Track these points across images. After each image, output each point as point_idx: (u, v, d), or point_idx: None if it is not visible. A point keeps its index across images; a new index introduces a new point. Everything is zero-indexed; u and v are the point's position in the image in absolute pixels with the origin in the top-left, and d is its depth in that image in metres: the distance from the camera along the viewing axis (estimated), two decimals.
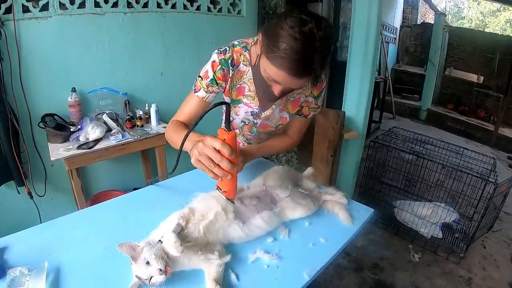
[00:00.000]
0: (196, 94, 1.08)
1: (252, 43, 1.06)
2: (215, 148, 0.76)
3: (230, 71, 1.06)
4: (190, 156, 0.83)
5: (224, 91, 1.12)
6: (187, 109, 1.12)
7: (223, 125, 0.79)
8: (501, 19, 10.93)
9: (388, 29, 6.36)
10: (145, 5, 2.37)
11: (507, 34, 8.57)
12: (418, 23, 7.20)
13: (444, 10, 9.87)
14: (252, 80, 1.08)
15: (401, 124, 5.37)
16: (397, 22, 6.81)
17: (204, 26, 2.73)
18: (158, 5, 2.43)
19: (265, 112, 1.14)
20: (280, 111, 1.16)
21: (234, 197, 0.87)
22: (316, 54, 0.80)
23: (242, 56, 1.06)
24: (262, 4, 3.13)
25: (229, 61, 1.04)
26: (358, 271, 2.23)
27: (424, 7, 7.81)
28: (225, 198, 0.86)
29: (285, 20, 0.80)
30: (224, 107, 0.81)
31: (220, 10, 2.81)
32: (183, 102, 1.14)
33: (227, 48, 1.05)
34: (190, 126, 0.88)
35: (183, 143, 0.84)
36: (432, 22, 6.30)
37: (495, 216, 2.37)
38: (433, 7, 8.16)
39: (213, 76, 1.04)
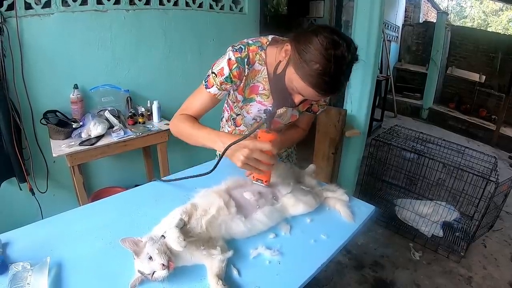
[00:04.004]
0: (208, 90, 1.07)
1: (267, 43, 1.07)
2: (262, 150, 0.88)
3: (246, 70, 1.06)
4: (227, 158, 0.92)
5: (237, 89, 1.12)
6: (197, 104, 1.11)
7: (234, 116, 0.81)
8: (504, 19, 10.91)
9: (390, 27, 6.34)
10: (147, 2, 2.37)
11: (509, 33, 8.55)
12: (420, 21, 7.16)
13: (446, 9, 9.82)
14: (267, 79, 1.08)
15: (403, 122, 5.37)
16: (399, 20, 6.78)
17: (206, 24, 2.73)
18: (160, 2, 2.43)
19: (279, 110, 1.14)
20: (292, 109, 1.17)
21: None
22: (343, 76, 0.85)
23: (257, 55, 1.05)
24: (264, 2, 3.12)
25: (245, 59, 1.04)
26: (359, 269, 2.23)
27: (426, 6, 7.77)
28: (263, 185, 0.98)
29: (319, 39, 0.82)
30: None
31: (222, 8, 2.80)
32: (190, 95, 1.13)
33: (242, 47, 1.04)
34: (209, 128, 1.01)
35: (223, 154, 0.92)
36: (434, 21, 6.28)
37: (496, 216, 2.37)
38: (435, 5, 8.12)
39: (229, 74, 1.03)
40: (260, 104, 1.13)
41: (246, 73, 1.06)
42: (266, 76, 1.08)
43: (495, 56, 5.43)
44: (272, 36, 1.09)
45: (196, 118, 1.11)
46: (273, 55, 1.03)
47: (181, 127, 1.09)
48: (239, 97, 1.14)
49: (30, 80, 1.96)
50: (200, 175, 1.04)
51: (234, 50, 1.04)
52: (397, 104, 6.04)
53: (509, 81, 4.68)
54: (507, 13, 10.67)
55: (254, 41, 1.07)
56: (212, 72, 1.06)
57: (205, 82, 1.08)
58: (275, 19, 4.79)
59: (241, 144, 0.88)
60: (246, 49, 1.04)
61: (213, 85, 1.06)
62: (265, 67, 1.07)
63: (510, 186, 2.22)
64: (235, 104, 1.20)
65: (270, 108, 1.11)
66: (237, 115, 1.24)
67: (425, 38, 6.62)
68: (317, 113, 1.25)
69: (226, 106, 1.31)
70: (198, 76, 2.80)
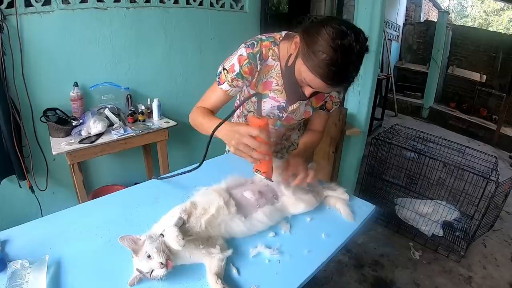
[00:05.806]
0: (220, 86, 1.08)
1: (280, 38, 1.06)
2: (251, 136, 0.84)
3: (258, 65, 1.05)
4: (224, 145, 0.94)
5: (250, 84, 1.11)
6: (212, 100, 1.12)
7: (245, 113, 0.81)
8: (505, 18, 10.88)
9: (391, 26, 6.33)
10: (148, 0, 2.36)
11: (510, 33, 8.52)
12: (421, 21, 7.15)
13: (447, 8, 9.81)
14: (280, 74, 1.08)
15: (403, 122, 5.35)
16: (400, 19, 6.77)
17: (207, 22, 2.72)
18: (161, 0, 2.42)
19: (292, 106, 1.14)
20: (305, 105, 1.17)
21: (272, 176, 0.94)
22: (352, 66, 0.84)
23: (271, 51, 1.05)
24: (265, 0, 3.11)
25: (258, 55, 1.03)
26: (359, 268, 2.23)
27: (427, 5, 7.76)
28: (264, 177, 0.94)
29: (326, 29, 0.82)
30: (255, 97, 0.93)
31: (222, 6, 2.79)
32: (208, 89, 1.14)
33: (255, 42, 1.04)
34: (222, 119, 0.96)
35: (211, 138, 0.93)
36: (436, 20, 6.27)
37: (496, 215, 2.37)
38: (436, 5, 8.11)
39: (240, 70, 1.03)
40: (273, 100, 1.13)
41: (258, 68, 1.06)
42: (280, 72, 1.08)
43: (496, 56, 5.42)
44: (285, 32, 1.09)
45: (212, 111, 1.12)
46: (286, 49, 1.03)
47: (196, 119, 1.11)
48: (252, 92, 1.14)
49: (30, 78, 1.96)
50: (189, 171, 1.06)
51: (246, 46, 1.03)
52: (398, 103, 6.04)
53: (510, 81, 4.67)
54: (508, 12, 10.64)
55: (267, 36, 1.07)
56: (224, 69, 1.06)
57: (217, 78, 1.08)
58: (276, 17, 4.79)
59: (234, 129, 0.89)
60: (259, 44, 1.04)
61: (224, 82, 1.06)
62: (279, 62, 1.06)
63: (510, 186, 2.21)
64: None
65: (284, 104, 1.12)
66: (249, 111, 1.24)
67: (426, 37, 6.62)
68: (331, 111, 1.24)
69: (238, 102, 1.30)
70: (199, 74, 2.82)
